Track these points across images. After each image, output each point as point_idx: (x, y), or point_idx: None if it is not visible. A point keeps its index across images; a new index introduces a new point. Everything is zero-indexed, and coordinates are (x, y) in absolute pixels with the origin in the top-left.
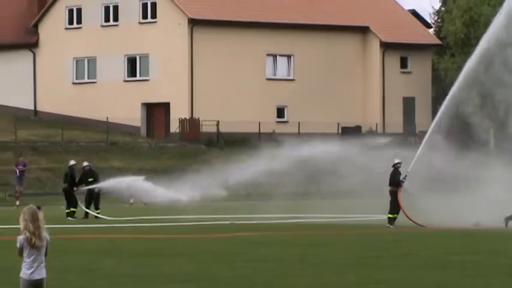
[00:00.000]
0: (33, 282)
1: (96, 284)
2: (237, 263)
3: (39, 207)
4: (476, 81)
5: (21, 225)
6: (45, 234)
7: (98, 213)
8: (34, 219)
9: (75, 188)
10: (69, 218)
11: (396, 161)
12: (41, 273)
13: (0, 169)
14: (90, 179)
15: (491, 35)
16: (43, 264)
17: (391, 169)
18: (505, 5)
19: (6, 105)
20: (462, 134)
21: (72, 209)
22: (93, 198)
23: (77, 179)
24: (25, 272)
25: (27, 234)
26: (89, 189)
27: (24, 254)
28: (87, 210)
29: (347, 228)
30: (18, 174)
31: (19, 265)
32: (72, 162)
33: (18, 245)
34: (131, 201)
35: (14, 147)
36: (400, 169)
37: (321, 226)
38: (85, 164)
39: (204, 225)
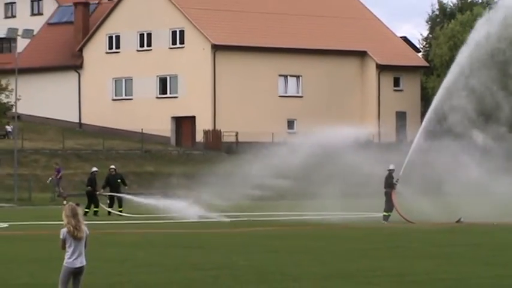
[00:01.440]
0: (75, 270)
1: (131, 271)
2: (253, 253)
3: (77, 204)
4: (456, 93)
5: (64, 220)
6: (85, 228)
7: (121, 211)
8: (74, 214)
9: (102, 190)
10: (94, 215)
11: (391, 167)
12: (82, 262)
13: (51, 173)
14: (118, 180)
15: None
16: (83, 254)
17: (386, 173)
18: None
19: (55, 118)
20: (446, 141)
21: (94, 209)
22: (119, 199)
23: (102, 183)
24: (68, 261)
25: (70, 227)
26: (115, 192)
27: (67, 245)
28: (111, 210)
29: (348, 224)
30: (55, 177)
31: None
32: (94, 169)
33: (61, 237)
34: None
35: (62, 154)
36: (393, 173)
37: (325, 222)
38: (112, 167)
39: (225, 221)
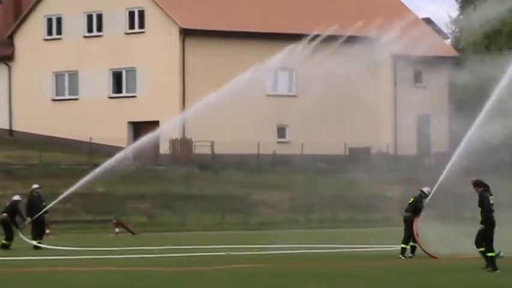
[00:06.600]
0: None
1: None
2: None
3: None
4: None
5: None
6: None
7: (40, 242)
8: None
9: (28, 219)
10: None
11: (425, 189)
12: None
13: None
14: (43, 204)
15: None
16: None
17: (416, 194)
18: None
19: None
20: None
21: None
22: (41, 227)
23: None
24: None
25: None
26: (40, 217)
27: None
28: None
29: (361, 260)
30: None
31: None
32: (15, 197)
33: None
34: (117, 230)
35: None
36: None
37: (335, 257)
38: (35, 186)
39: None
